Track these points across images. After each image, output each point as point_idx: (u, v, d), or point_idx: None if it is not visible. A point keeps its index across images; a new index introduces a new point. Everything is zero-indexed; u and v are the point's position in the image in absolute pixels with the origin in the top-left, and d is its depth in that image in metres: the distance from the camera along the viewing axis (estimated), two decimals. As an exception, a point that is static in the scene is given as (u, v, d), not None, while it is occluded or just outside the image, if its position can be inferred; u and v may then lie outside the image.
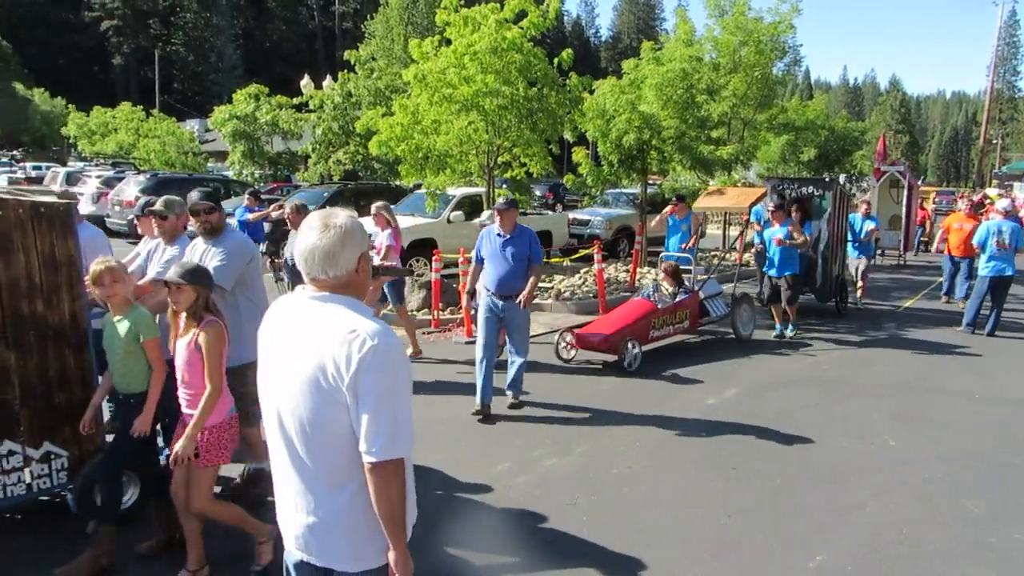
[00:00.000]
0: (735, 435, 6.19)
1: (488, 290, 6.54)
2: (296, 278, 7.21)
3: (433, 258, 10.25)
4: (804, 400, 7.18)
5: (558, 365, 8.15)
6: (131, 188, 18.41)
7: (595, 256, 11.58)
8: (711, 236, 18.41)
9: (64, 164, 32.69)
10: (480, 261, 6.72)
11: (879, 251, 17.65)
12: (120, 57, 72.68)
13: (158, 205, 4.72)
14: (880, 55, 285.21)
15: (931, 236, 22.47)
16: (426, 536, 4.25)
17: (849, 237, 12.24)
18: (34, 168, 32.18)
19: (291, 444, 2.10)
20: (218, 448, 3.73)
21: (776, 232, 9.73)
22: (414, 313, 10.32)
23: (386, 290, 8.11)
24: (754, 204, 10.48)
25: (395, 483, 2.02)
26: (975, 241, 10.46)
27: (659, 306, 8.66)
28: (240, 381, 4.29)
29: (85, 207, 20.15)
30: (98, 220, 19.37)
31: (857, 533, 4.51)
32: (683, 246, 11.07)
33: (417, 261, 12.88)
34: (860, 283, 12.26)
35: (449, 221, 13.51)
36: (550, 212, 19.58)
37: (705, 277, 9.81)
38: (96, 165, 29.99)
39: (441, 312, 10.07)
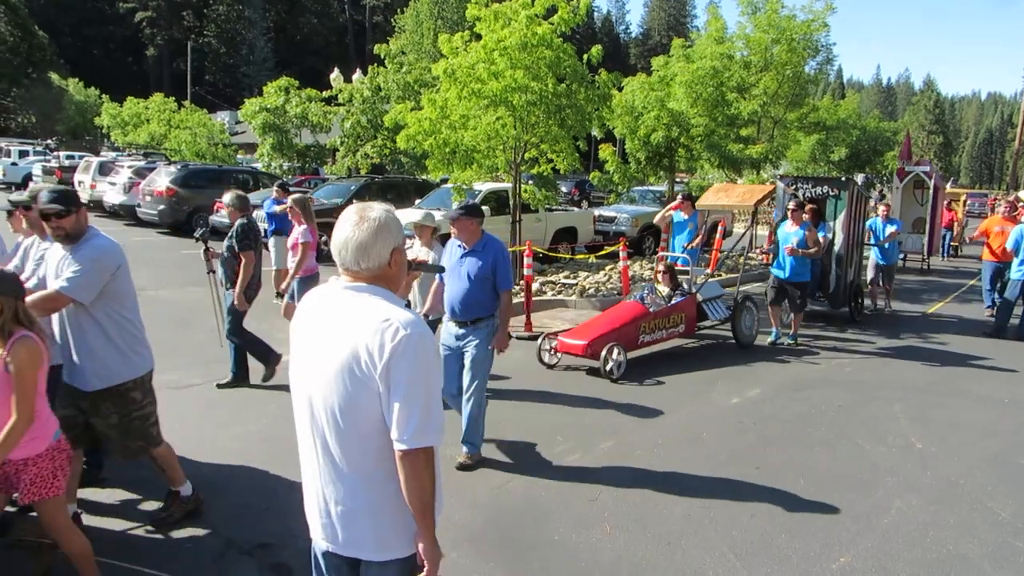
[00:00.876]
0: (758, 435, 6.18)
1: (446, 316, 5.51)
2: (226, 269, 6.69)
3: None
4: (828, 401, 7.13)
5: (580, 362, 8.15)
6: (162, 179, 18.66)
7: (620, 253, 11.56)
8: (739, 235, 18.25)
9: (97, 154, 33.09)
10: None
11: (900, 255, 16.98)
12: (154, 48, 73.61)
13: (25, 195, 4.27)
14: (915, 55, 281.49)
15: (961, 240, 21.53)
16: (448, 530, 4.30)
17: (872, 241, 11.90)
18: (67, 157, 32.61)
19: (321, 433, 2.13)
20: (50, 479, 3.27)
21: (790, 237, 9.21)
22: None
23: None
24: (760, 202, 9.96)
25: (426, 471, 2.05)
26: (1009, 245, 10.30)
27: (651, 309, 8.30)
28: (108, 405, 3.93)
29: (117, 197, 20.54)
30: (129, 210, 19.79)
31: (881, 535, 4.48)
32: (686, 245, 10.51)
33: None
34: (887, 289, 11.91)
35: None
36: (576, 208, 19.58)
37: (705, 279, 9.39)
38: (128, 155, 30.40)
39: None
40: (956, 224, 21.32)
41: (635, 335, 8.10)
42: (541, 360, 7.98)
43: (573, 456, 5.57)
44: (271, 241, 10.84)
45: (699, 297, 9.01)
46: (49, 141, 46.64)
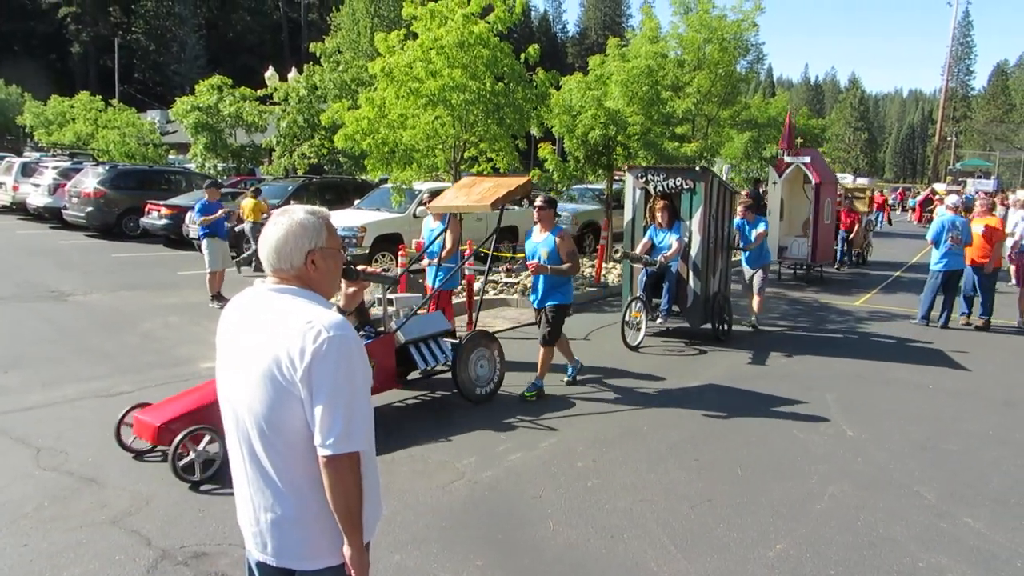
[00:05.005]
0: (697, 427, 6.30)
1: None
2: None
3: (399, 253, 10.24)
4: (763, 393, 7.31)
5: (517, 362, 8.16)
6: (89, 180, 18.05)
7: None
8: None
9: (19, 154, 31.78)
10: None
11: (779, 262, 14.68)
12: (79, 45, 70.88)
13: None
14: (840, 53, 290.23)
15: (864, 245, 18.11)
16: (391, 532, 4.27)
17: (741, 244, 10.14)
18: (-13, 158, 31.23)
19: (248, 440, 2.09)
20: None
21: (537, 249, 6.84)
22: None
23: None
24: (502, 201, 6.73)
25: (350, 477, 2.00)
26: (929, 236, 10.68)
27: None
28: None
29: (41, 199, 19.76)
30: (54, 212, 19.07)
31: (815, 521, 4.62)
32: (430, 261, 8.16)
33: (383, 256, 12.86)
34: (756, 299, 10.14)
35: (415, 216, 13.50)
36: (516, 207, 19.61)
37: (413, 310, 6.82)
38: (53, 156, 29.25)
39: (407, 306, 10.05)
40: (857, 226, 17.24)
41: None
42: (121, 444, 5.29)
43: (516, 455, 5.58)
44: (204, 243, 10.57)
45: (400, 338, 6.49)
46: (-34, 142, 44.49)
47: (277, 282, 2.13)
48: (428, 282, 8.20)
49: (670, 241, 8.77)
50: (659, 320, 9.08)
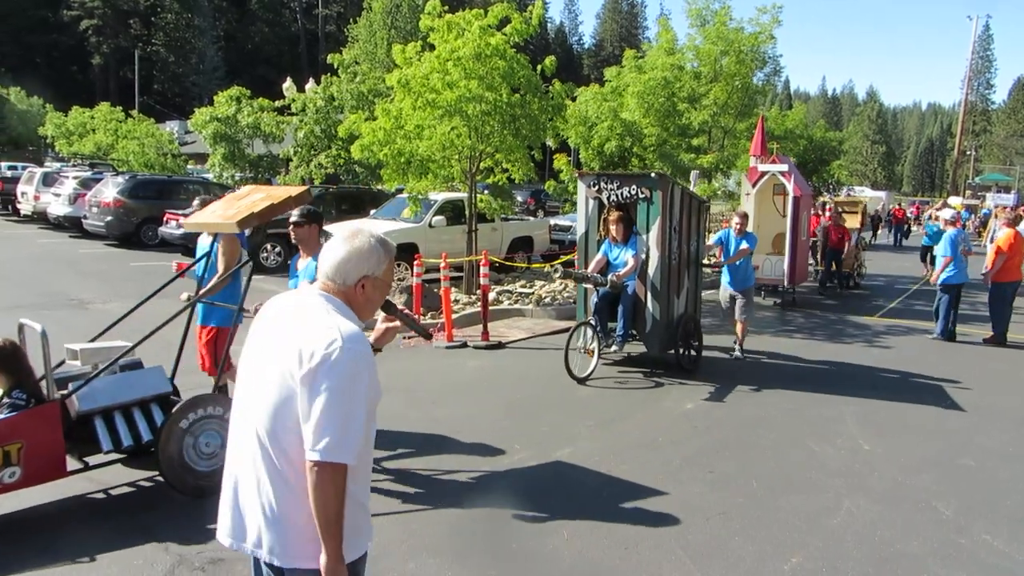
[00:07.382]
0: (712, 439, 6.28)
1: None
2: None
3: (415, 263, 10.28)
4: (778, 406, 7.28)
5: (532, 373, 8.17)
6: (109, 189, 18.27)
7: (576, 262, 11.65)
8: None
9: (41, 164, 32.25)
10: None
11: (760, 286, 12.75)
12: (99, 57, 71.93)
13: None
14: (858, 66, 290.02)
15: (856, 267, 15.98)
16: (406, 539, 4.28)
17: (723, 258, 9.27)
18: (9, 168, 31.67)
19: (258, 436, 2.12)
20: None
21: (299, 279, 5.31)
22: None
23: None
24: (266, 217, 4.89)
25: (331, 487, 2.00)
26: (947, 252, 10.59)
27: None
28: None
29: (62, 208, 20.02)
30: (75, 221, 19.31)
31: (831, 535, 4.59)
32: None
33: (399, 266, 12.91)
34: (739, 326, 9.08)
35: (431, 226, 13.57)
36: (531, 218, 19.71)
37: (95, 367, 4.90)
38: (74, 166, 29.64)
39: (423, 316, 10.10)
40: (848, 242, 15.16)
41: None
42: None
43: (531, 464, 5.58)
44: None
45: (77, 405, 4.55)
46: (-10, 152, 45.18)
47: (323, 288, 2.21)
48: (198, 322, 6.02)
49: (626, 258, 7.85)
50: (614, 348, 8.05)
